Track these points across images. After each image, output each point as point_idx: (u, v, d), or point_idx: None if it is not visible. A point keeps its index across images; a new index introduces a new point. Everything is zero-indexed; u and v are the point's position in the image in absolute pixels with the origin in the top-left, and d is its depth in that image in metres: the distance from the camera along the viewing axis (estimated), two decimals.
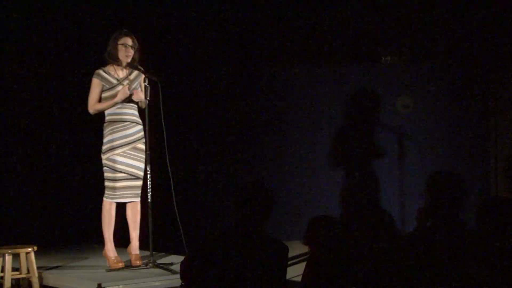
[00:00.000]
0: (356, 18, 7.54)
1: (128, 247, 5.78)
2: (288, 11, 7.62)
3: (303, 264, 3.79)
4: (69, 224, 7.33)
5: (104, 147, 5.63)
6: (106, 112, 5.64)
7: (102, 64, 5.69)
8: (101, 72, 5.65)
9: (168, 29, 7.59)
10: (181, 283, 4.16)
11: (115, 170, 5.59)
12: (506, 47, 7.15)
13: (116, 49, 5.63)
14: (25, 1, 7.15)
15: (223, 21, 7.64)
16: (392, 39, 7.54)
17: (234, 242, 3.53)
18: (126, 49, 5.63)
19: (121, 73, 5.69)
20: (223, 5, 7.60)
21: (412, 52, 7.54)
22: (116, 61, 5.64)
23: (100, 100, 5.65)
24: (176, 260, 5.74)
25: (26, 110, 7.27)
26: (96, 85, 5.63)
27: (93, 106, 5.64)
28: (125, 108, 5.65)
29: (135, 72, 5.71)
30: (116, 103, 5.59)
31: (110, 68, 5.67)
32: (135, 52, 5.66)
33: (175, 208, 5.70)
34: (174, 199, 5.70)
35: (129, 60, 5.65)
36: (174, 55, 7.61)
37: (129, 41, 5.64)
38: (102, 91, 5.64)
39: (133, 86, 5.69)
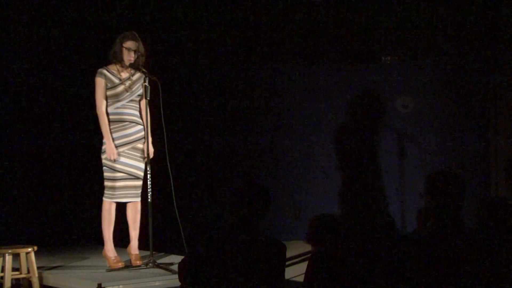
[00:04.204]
0: (356, 18, 7.54)
1: (128, 247, 5.78)
2: (288, 11, 7.62)
3: (304, 264, 3.79)
4: (69, 224, 7.33)
5: (104, 147, 5.63)
6: (107, 111, 5.62)
7: (105, 63, 5.69)
8: (104, 71, 5.65)
9: (168, 29, 7.59)
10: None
11: (114, 170, 5.59)
12: (506, 47, 7.15)
13: (120, 51, 5.64)
14: (27, 1, 7.16)
15: (223, 21, 7.64)
16: (392, 39, 7.54)
17: (231, 242, 3.52)
18: (129, 53, 5.64)
19: (124, 73, 5.69)
20: (223, 5, 7.60)
21: (412, 52, 7.53)
22: (119, 62, 5.65)
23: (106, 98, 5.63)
24: (176, 260, 5.74)
25: (26, 110, 7.27)
26: (100, 84, 5.62)
27: (102, 112, 5.58)
28: (126, 108, 5.65)
29: (138, 73, 5.71)
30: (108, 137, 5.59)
31: (113, 68, 5.67)
32: (139, 56, 5.66)
33: (175, 208, 5.70)
34: (174, 199, 5.70)
35: (131, 62, 5.66)
36: (174, 55, 7.61)
37: (133, 45, 5.64)
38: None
39: (135, 86, 5.69)
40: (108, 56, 5.69)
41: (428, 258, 3.41)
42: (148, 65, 5.77)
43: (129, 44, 5.65)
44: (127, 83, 5.67)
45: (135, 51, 5.65)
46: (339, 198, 7.42)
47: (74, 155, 7.39)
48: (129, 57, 5.65)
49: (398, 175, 7.34)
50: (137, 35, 5.69)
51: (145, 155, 5.65)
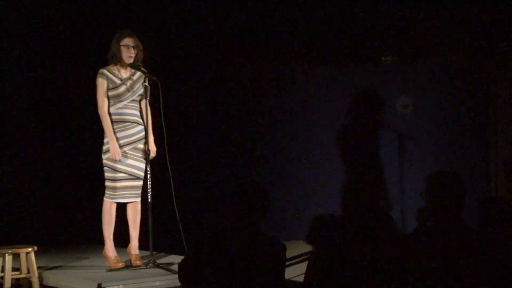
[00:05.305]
0: (356, 18, 7.54)
1: (128, 247, 5.79)
2: (289, 11, 7.62)
3: (304, 264, 3.79)
4: (69, 224, 7.33)
5: (105, 147, 5.63)
6: (109, 111, 5.62)
7: (105, 64, 5.69)
8: (105, 71, 5.64)
9: (168, 29, 7.60)
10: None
11: (115, 170, 5.59)
12: (506, 47, 7.15)
13: (119, 50, 5.64)
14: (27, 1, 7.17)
15: (224, 21, 7.64)
16: (392, 39, 7.54)
17: (231, 242, 3.53)
18: (128, 50, 5.64)
19: (124, 73, 5.69)
20: (225, 5, 7.60)
21: (412, 52, 7.54)
22: (119, 61, 5.65)
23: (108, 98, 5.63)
24: (176, 260, 5.74)
25: (26, 110, 7.27)
26: (101, 85, 5.61)
27: (105, 112, 5.58)
28: (127, 108, 5.65)
29: (139, 73, 5.71)
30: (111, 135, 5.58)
31: (114, 68, 5.67)
32: (138, 53, 5.67)
33: (175, 208, 5.70)
34: (174, 199, 5.70)
35: (131, 60, 5.66)
36: (174, 55, 7.61)
37: (131, 42, 5.64)
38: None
39: (136, 86, 5.69)
40: (107, 57, 5.69)
41: (428, 258, 3.41)
42: (148, 65, 5.77)
43: (127, 41, 5.65)
44: (128, 83, 5.67)
45: (134, 48, 5.65)
46: (340, 198, 7.42)
47: (74, 154, 7.39)
48: (128, 54, 5.64)
49: (398, 175, 7.34)
50: (132, 31, 5.68)
51: (146, 155, 5.65)
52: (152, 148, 5.73)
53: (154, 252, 5.58)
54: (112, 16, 7.27)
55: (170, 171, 5.69)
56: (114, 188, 5.61)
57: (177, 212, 5.70)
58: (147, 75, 5.64)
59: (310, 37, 7.66)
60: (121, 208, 5.75)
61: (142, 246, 5.81)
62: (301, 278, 3.92)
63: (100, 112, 5.60)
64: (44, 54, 7.27)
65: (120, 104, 5.63)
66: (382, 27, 7.51)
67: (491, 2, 7.13)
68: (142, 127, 5.71)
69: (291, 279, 5.16)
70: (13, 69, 7.19)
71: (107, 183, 5.65)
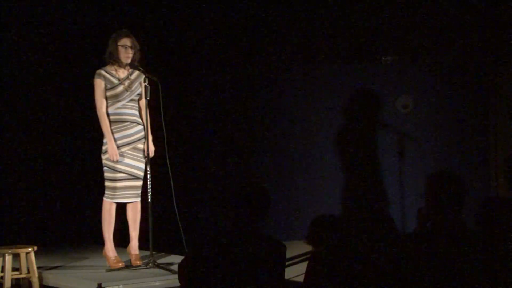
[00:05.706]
0: (356, 18, 7.54)
1: (128, 247, 5.79)
2: (288, 11, 7.62)
3: (304, 264, 3.79)
4: (69, 224, 7.33)
5: (104, 147, 5.63)
6: (107, 111, 5.62)
7: (103, 64, 5.69)
8: (102, 72, 5.64)
9: (168, 29, 7.60)
10: None
11: (115, 170, 5.59)
12: (506, 47, 7.15)
13: (116, 50, 5.63)
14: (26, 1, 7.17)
15: (223, 21, 7.64)
16: (392, 39, 7.54)
17: (231, 243, 3.52)
18: (126, 50, 5.64)
19: (122, 73, 5.69)
20: (223, 5, 7.60)
21: (412, 52, 7.54)
22: (117, 62, 5.65)
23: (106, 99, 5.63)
24: (176, 260, 5.74)
25: (26, 110, 7.27)
26: (99, 85, 5.61)
27: (103, 113, 5.58)
28: (126, 108, 5.65)
29: (136, 72, 5.71)
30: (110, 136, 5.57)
31: (111, 68, 5.67)
32: (135, 52, 5.67)
33: (175, 208, 5.70)
34: (174, 199, 5.70)
35: (129, 60, 5.66)
36: (174, 55, 7.61)
37: (128, 42, 5.64)
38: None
39: (134, 86, 5.69)
40: (104, 57, 5.68)
41: (428, 258, 3.41)
42: (148, 64, 5.77)
43: (124, 41, 5.65)
44: (126, 82, 5.67)
45: (131, 47, 5.65)
46: (339, 198, 7.42)
47: (74, 154, 7.39)
48: (126, 54, 5.64)
49: (398, 175, 7.34)
50: (129, 31, 5.68)
51: (146, 155, 5.66)
52: (151, 147, 5.73)
53: (154, 252, 5.58)
54: (111, 16, 7.26)
55: (170, 171, 5.69)
56: (114, 188, 5.61)
57: (177, 212, 5.70)
58: (146, 75, 5.64)
59: (310, 37, 7.65)
60: (121, 208, 5.75)
61: (142, 246, 5.81)
62: (301, 278, 3.92)
63: (98, 113, 5.60)
64: (43, 55, 7.27)
65: (119, 104, 5.63)
66: (382, 27, 7.51)
67: (491, 2, 7.14)
68: (141, 126, 5.71)
69: (291, 279, 5.16)
70: (12, 69, 7.19)
71: (107, 183, 5.65)
